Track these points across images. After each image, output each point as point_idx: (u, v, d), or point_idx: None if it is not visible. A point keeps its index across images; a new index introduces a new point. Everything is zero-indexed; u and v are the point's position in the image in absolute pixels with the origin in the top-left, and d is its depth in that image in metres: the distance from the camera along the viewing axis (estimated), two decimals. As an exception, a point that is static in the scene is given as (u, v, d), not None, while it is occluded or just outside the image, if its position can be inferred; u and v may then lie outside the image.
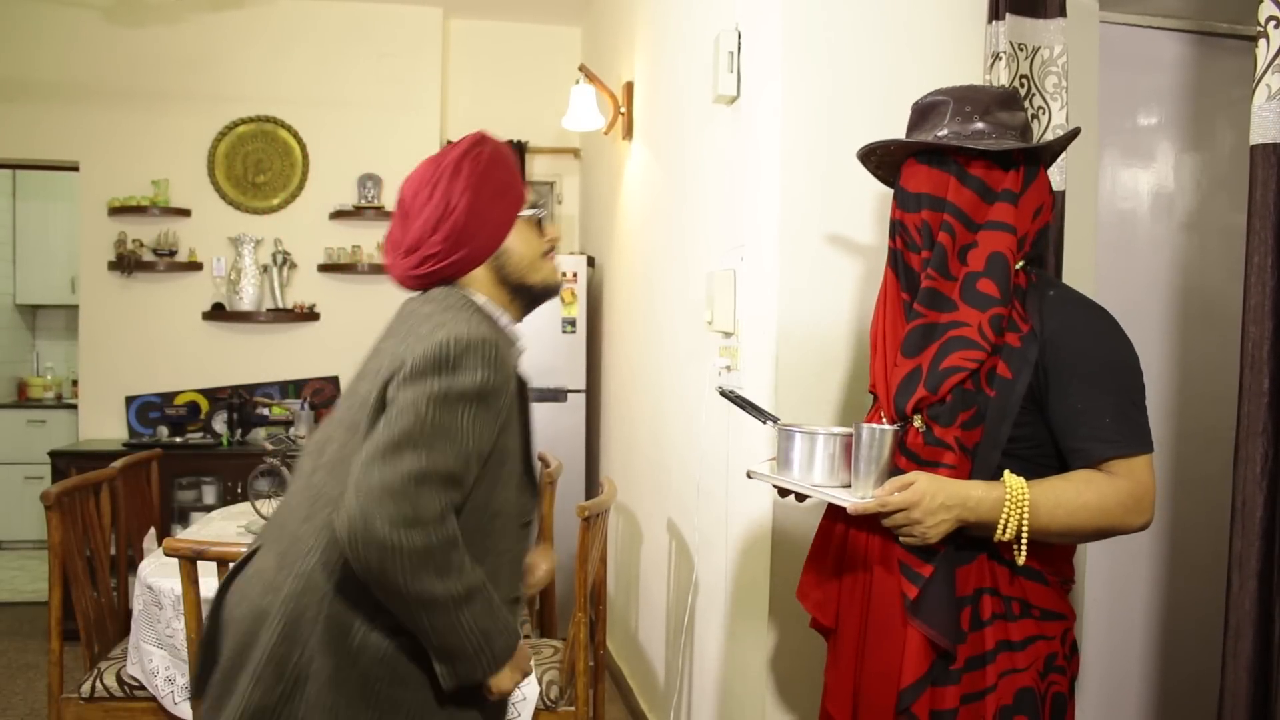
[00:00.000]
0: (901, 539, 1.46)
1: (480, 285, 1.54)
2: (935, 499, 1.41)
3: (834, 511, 1.63)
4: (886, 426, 1.49)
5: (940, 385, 1.48)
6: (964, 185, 1.51)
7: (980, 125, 1.53)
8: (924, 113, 1.61)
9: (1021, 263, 1.53)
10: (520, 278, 1.55)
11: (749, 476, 1.68)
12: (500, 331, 1.49)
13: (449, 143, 1.60)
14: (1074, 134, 1.61)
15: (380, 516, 1.26)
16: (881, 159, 1.66)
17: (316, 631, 1.37)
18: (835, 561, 1.64)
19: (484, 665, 1.38)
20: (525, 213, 1.56)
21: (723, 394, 1.82)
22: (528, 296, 1.58)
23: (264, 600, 1.41)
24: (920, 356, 1.51)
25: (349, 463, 1.36)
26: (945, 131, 1.54)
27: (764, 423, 1.71)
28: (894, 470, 1.49)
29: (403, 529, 1.27)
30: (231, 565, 1.57)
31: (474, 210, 1.49)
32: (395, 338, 1.47)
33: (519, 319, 1.59)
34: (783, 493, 1.64)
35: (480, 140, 1.56)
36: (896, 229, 1.59)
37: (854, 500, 1.46)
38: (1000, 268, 1.48)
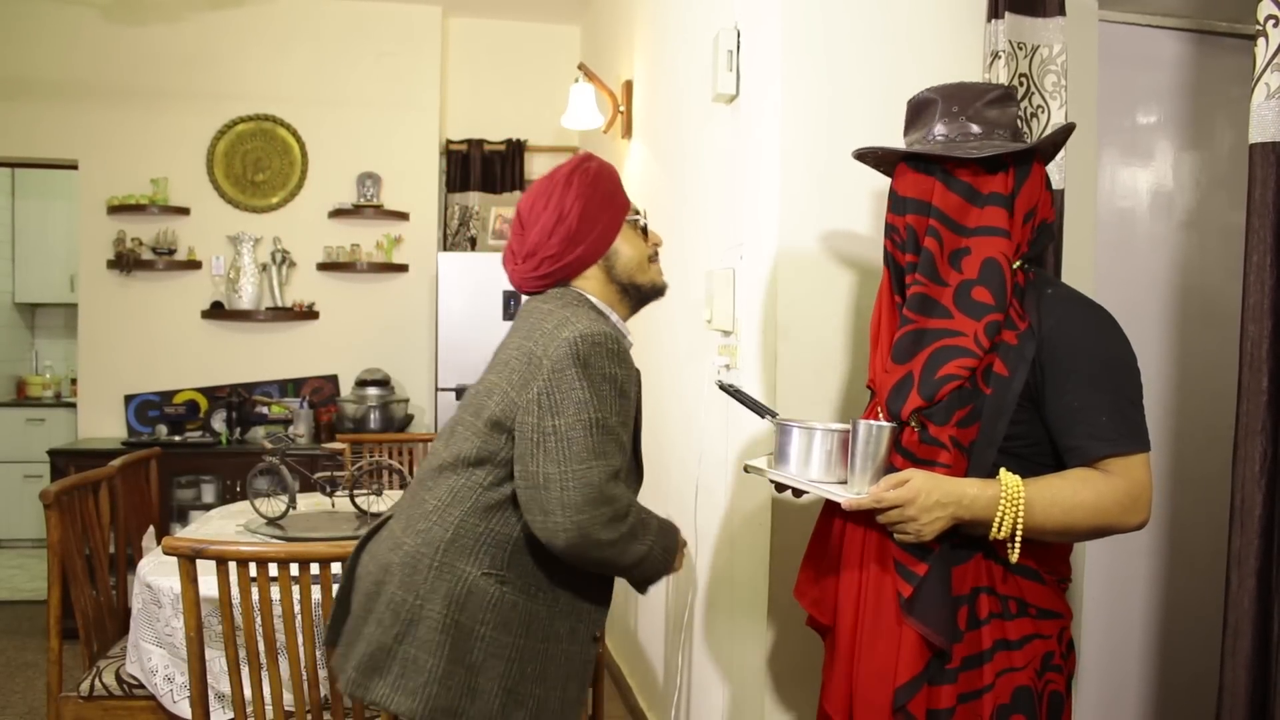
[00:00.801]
0: (896, 536, 1.46)
1: (592, 285, 1.73)
2: (930, 496, 1.40)
3: (831, 508, 1.63)
4: (884, 423, 1.48)
5: (935, 394, 1.47)
6: (949, 190, 1.50)
7: (968, 125, 1.53)
8: (916, 111, 1.61)
9: (1019, 261, 1.53)
10: (629, 277, 1.74)
11: (746, 470, 1.69)
12: (614, 326, 1.69)
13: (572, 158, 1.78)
14: (1067, 130, 1.61)
15: (594, 525, 1.51)
16: (879, 159, 1.66)
17: (429, 580, 1.57)
18: (832, 559, 1.64)
19: (667, 566, 1.68)
20: (630, 218, 1.75)
21: (722, 387, 1.82)
22: (636, 295, 1.77)
23: (390, 556, 1.63)
24: (911, 363, 1.50)
25: (460, 435, 1.63)
26: (936, 129, 1.54)
27: (762, 417, 1.71)
28: (891, 468, 1.49)
29: (612, 526, 1.53)
30: (365, 531, 1.80)
31: (585, 215, 1.68)
32: (520, 334, 1.66)
33: (627, 317, 1.78)
34: (779, 488, 1.64)
35: (587, 157, 1.76)
36: (889, 230, 1.58)
37: (849, 496, 1.46)
38: (995, 274, 1.47)
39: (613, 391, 1.56)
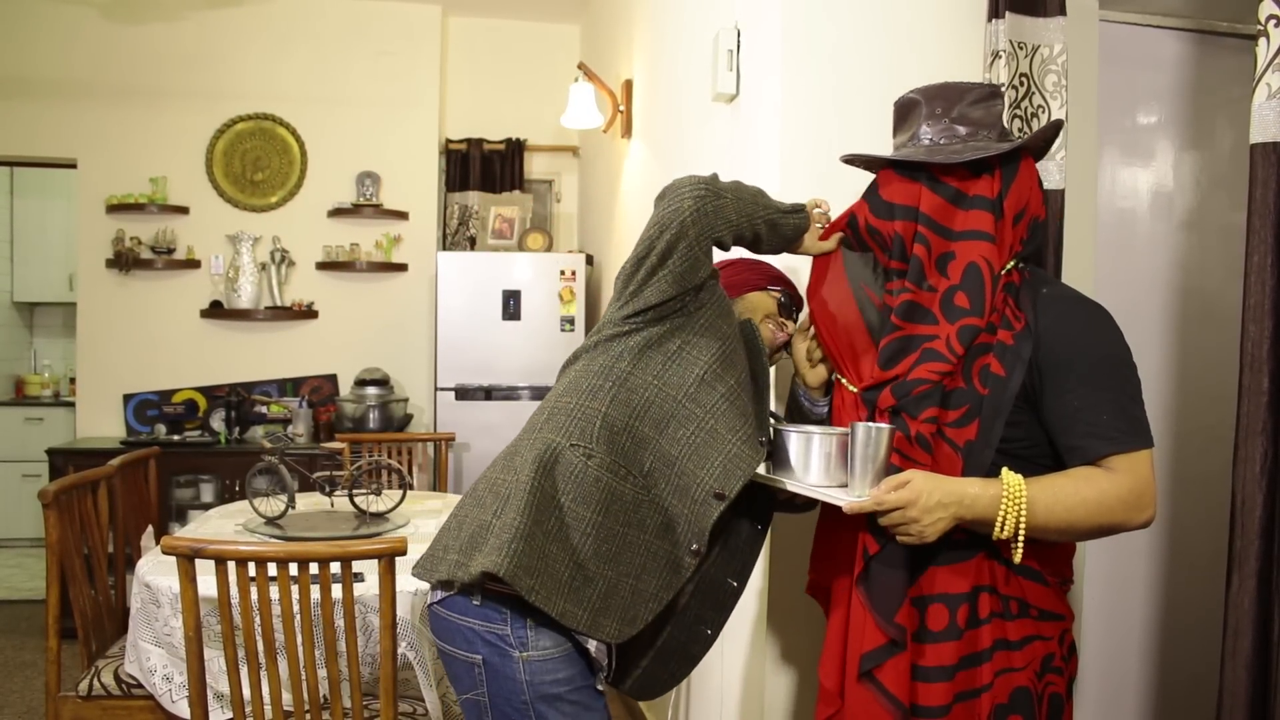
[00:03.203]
0: (899, 538, 1.45)
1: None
2: (932, 497, 1.39)
3: (833, 507, 1.63)
4: (883, 425, 1.47)
5: (905, 395, 1.48)
6: (935, 193, 1.49)
7: (953, 126, 1.52)
8: (902, 113, 1.61)
9: (1013, 261, 1.52)
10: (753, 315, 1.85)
11: None
12: None
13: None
14: (1055, 126, 1.60)
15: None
16: (867, 164, 1.67)
17: (525, 454, 1.59)
18: (834, 540, 1.65)
19: (788, 223, 1.68)
20: (773, 292, 1.89)
21: None
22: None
23: (504, 475, 1.63)
24: (897, 369, 1.50)
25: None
26: (922, 131, 1.54)
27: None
28: (891, 468, 1.48)
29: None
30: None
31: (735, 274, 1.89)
32: None
33: None
34: (781, 491, 1.64)
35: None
36: (873, 234, 1.58)
37: (849, 500, 1.45)
38: (974, 280, 1.46)
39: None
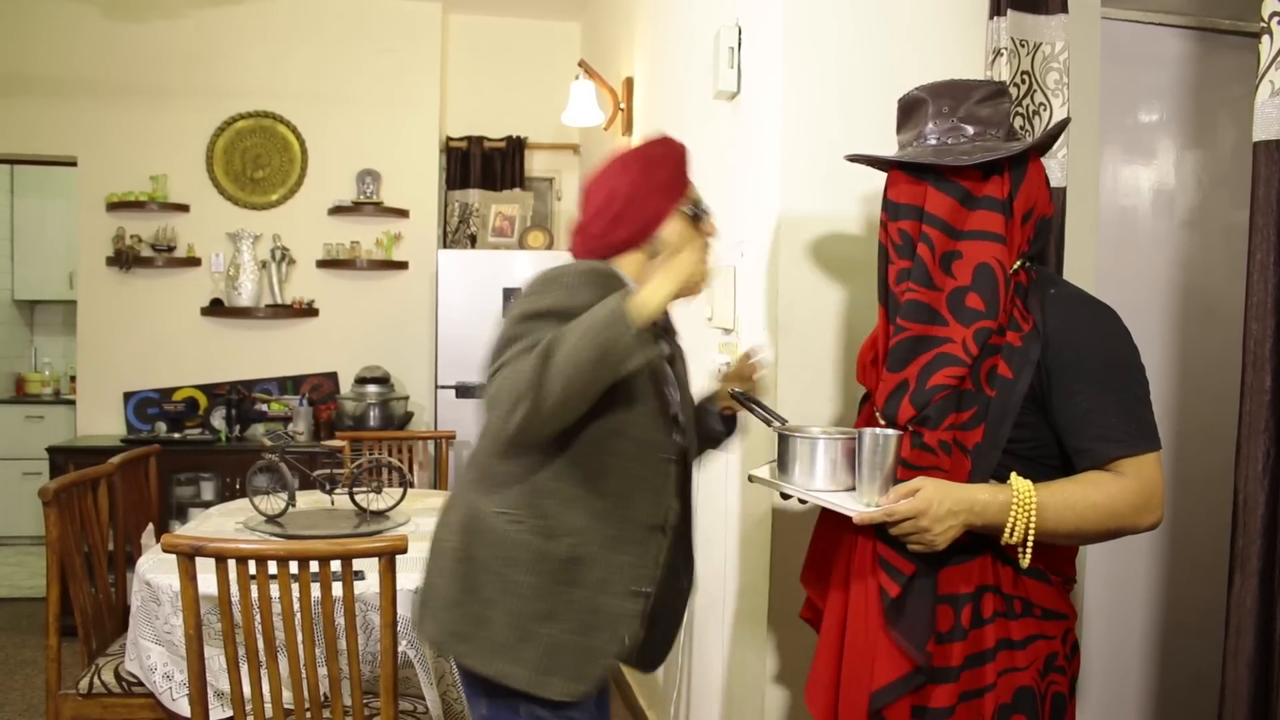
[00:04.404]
0: (910, 546, 1.44)
1: (629, 267, 1.71)
2: (942, 505, 1.38)
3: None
4: (890, 431, 1.46)
5: (927, 403, 1.46)
6: (942, 193, 1.47)
7: (961, 125, 1.50)
8: (907, 111, 1.59)
9: (1020, 261, 1.51)
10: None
11: (750, 480, 1.67)
12: (604, 274, 1.63)
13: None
14: (1062, 125, 1.59)
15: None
16: (873, 163, 1.66)
17: (454, 514, 1.68)
18: (829, 551, 1.64)
19: (621, 321, 1.42)
20: (683, 208, 1.71)
21: (734, 395, 1.82)
22: None
23: (441, 531, 1.72)
24: (906, 370, 1.49)
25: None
26: (928, 129, 1.52)
27: (770, 425, 1.70)
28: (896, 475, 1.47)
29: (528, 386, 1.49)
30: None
31: (632, 199, 1.67)
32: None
33: None
34: (784, 495, 1.63)
35: (659, 141, 1.74)
36: (883, 227, 1.57)
37: (859, 509, 1.44)
38: (987, 280, 1.44)
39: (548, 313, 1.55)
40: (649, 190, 1.68)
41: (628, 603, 1.64)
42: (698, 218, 1.73)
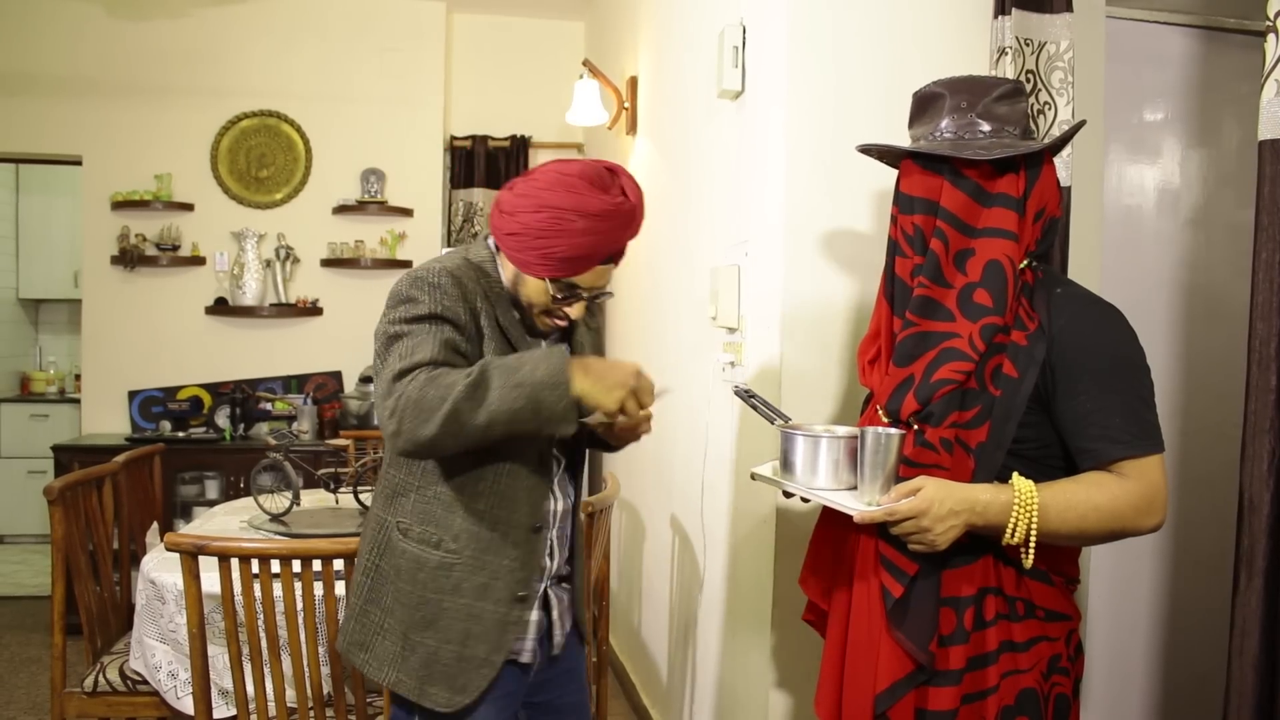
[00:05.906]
0: (910, 546, 1.43)
1: (510, 268, 1.66)
2: (944, 505, 1.38)
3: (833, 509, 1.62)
4: (892, 430, 1.45)
5: (930, 397, 1.45)
6: (957, 189, 1.47)
7: (977, 121, 1.50)
8: (922, 104, 1.58)
9: (1026, 260, 1.51)
10: (523, 298, 1.66)
11: (753, 478, 1.67)
12: (475, 270, 1.63)
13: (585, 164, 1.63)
14: (1077, 127, 1.59)
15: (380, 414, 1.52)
16: (882, 154, 1.65)
17: (365, 528, 1.73)
18: (831, 552, 1.64)
19: (561, 387, 1.42)
20: (552, 287, 1.62)
21: (738, 393, 1.82)
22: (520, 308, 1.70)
23: (361, 543, 1.75)
24: (913, 366, 1.48)
25: None
26: (943, 124, 1.51)
27: (772, 424, 1.70)
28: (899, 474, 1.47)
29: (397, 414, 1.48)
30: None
31: (543, 234, 1.57)
32: None
33: None
34: (787, 493, 1.63)
35: (592, 194, 1.58)
36: (894, 222, 1.57)
37: (860, 508, 1.43)
38: (997, 277, 1.44)
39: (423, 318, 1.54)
40: (539, 247, 1.58)
41: (513, 610, 1.65)
42: (567, 298, 1.64)
